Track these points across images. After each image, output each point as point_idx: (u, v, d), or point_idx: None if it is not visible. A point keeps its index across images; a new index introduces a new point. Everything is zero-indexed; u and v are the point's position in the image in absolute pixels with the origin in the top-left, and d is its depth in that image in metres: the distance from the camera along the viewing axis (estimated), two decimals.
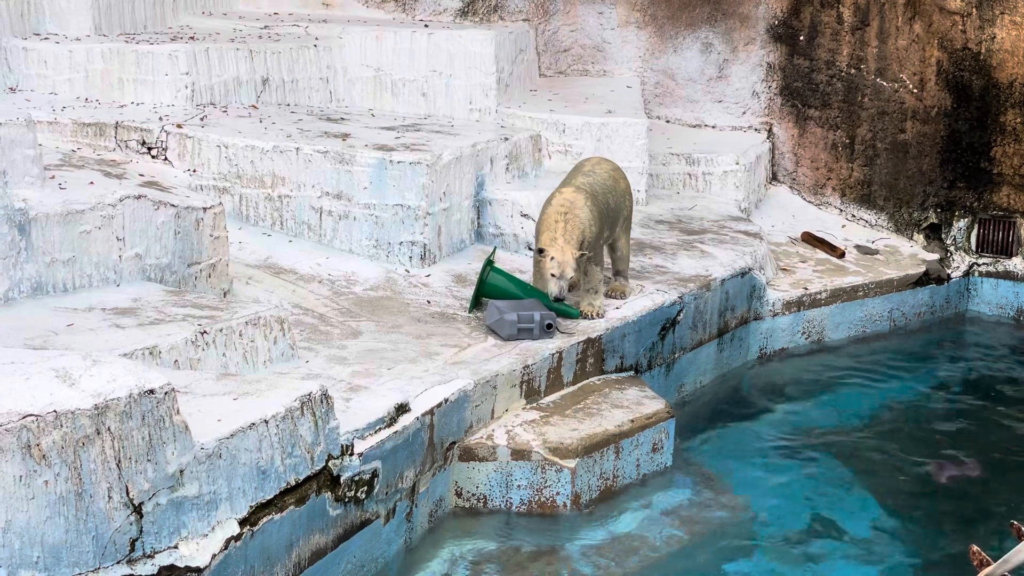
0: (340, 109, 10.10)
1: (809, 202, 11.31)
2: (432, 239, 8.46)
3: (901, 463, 7.93)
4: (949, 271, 10.61)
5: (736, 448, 8.00)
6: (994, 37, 10.51)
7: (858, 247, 10.65)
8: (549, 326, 7.36)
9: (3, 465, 4.18)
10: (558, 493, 6.70)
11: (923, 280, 10.33)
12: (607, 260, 8.19)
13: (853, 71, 10.99)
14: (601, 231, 7.67)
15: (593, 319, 7.64)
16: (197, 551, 4.79)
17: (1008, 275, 10.67)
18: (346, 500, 5.66)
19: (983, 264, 10.72)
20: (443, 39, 10.23)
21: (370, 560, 5.94)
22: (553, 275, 7.42)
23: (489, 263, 7.75)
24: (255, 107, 9.65)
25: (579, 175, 7.85)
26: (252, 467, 5.07)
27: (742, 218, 10.22)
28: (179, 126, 8.75)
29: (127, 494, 4.51)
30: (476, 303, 7.75)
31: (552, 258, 7.39)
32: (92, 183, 7.25)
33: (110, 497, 4.45)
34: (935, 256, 10.68)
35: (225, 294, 7.49)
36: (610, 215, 7.79)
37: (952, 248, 10.79)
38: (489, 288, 7.68)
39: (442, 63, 10.18)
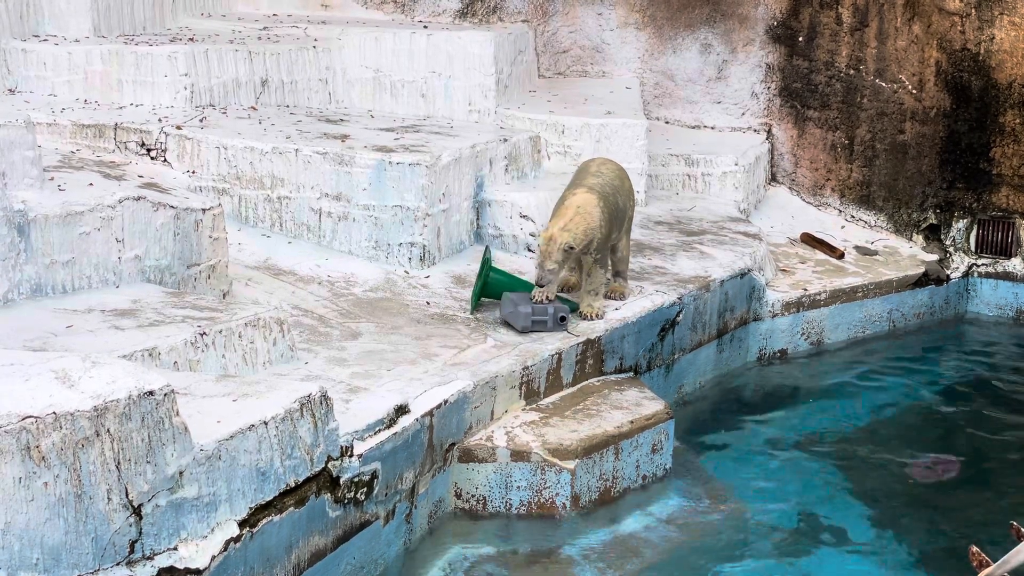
0: (339, 110, 10.10)
1: (808, 203, 11.31)
2: (431, 240, 8.46)
3: (900, 464, 7.93)
4: (948, 272, 10.61)
5: (735, 449, 8.00)
6: (993, 38, 10.51)
7: (857, 248, 10.66)
8: (563, 319, 7.40)
9: (3, 467, 4.18)
10: (557, 494, 6.70)
11: (922, 281, 10.34)
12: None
13: (852, 72, 11.00)
14: (610, 233, 7.66)
15: (592, 320, 7.63)
16: (196, 553, 4.78)
17: (1007, 276, 10.67)
18: (346, 501, 5.66)
19: (982, 265, 10.72)
20: (442, 40, 10.23)
21: (370, 561, 5.93)
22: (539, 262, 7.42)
23: (487, 263, 7.74)
24: (254, 108, 9.65)
25: (588, 176, 7.82)
26: (251, 468, 5.06)
27: (741, 219, 10.22)
28: (178, 127, 8.75)
29: (126, 496, 4.51)
30: (478, 303, 7.74)
31: (539, 243, 7.40)
32: (91, 184, 7.25)
33: (109, 499, 4.45)
34: (934, 257, 10.68)
35: (224, 295, 7.48)
36: (618, 216, 7.78)
37: (951, 249, 10.80)
38: (493, 287, 7.68)
39: (441, 64, 10.18)
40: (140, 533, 4.58)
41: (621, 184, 7.93)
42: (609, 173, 7.89)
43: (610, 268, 8.14)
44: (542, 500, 6.70)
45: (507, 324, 7.49)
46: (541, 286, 7.43)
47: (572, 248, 7.35)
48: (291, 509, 5.28)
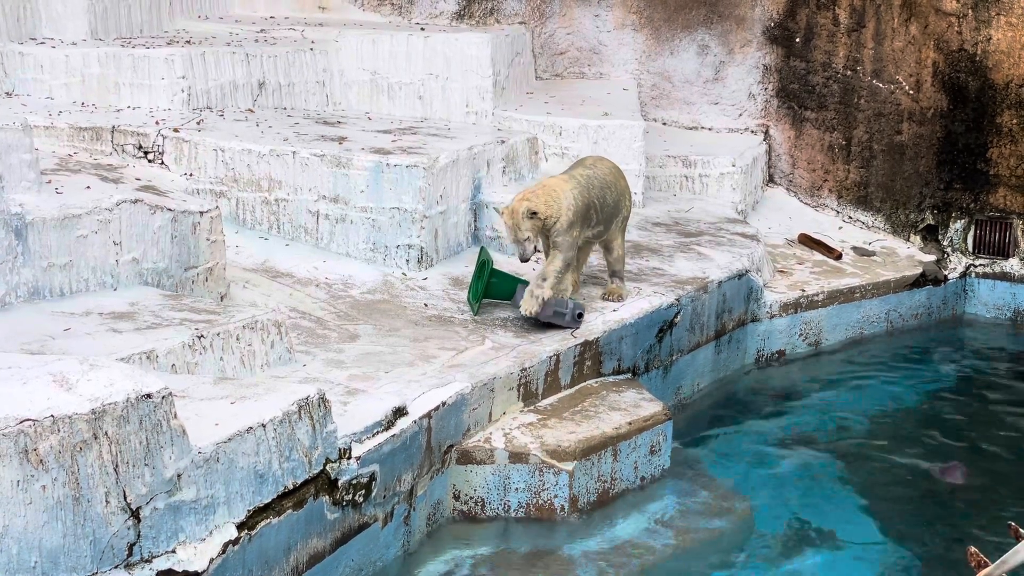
0: (336, 112, 10.10)
1: (806, 204, 11.32)
2: (429, 242, 8.46)
3: (898, 465, 7.94)
4: (946, 272, 10.62)
5: (734, 450, 8.00)
6: (990, 38, 10.52)
7: (855, 249, 10.66)
8: (580, 315, 7.41)
9: (1, 470, 4.18)
10: (556, 496, 6.70)
11: (920, 281, 10.34)
12: (602, 262, 8.19)
13: (849, 73, 11.00)
14: (577, 222, 7.44)
15: (525, 304, 7.42)
16: (195, 555, 4.78)
17: (1005, 276, 10.68)
18: (344, 504, 5.66)
19: (980, 265, 10.73)
20: (439, 42, 10.23)
21: (368, 564, 5.93)
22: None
23: (486, 263, 7.73)
24: (251, 111, 9.65)
25: (578, 167, 7.84)
26: (250, 471, 5.06)
27: (739, 220, 10.22)
28: (176, 130, 8.75)
29: (125, 499, 4.51)
30: (479, 304, 7.72)
31: (503, 221, 7.38)
32: (89, 187, 7.25)
33: (108, 502, 4.45)
34: (932, 257, 10.69)
35: (222, 298, 7.48)
36: (604, 210, 7.74)
37: (949, 249, 10.80)
38: (495, 288, 7.66)
39: (438, 66, 10.18)
40: (138, 536, 4.58)
41: (615, 181, 7.87)
42: (602, 168, 7.85)
43: (606, 269, 8.14)
44: (540, 502, 6.70)
45: (524, 316, 7.46)
46: (525, 260, 7.38)
47: (536, 213, 7.25)
48: (289, 511, 5.28)
